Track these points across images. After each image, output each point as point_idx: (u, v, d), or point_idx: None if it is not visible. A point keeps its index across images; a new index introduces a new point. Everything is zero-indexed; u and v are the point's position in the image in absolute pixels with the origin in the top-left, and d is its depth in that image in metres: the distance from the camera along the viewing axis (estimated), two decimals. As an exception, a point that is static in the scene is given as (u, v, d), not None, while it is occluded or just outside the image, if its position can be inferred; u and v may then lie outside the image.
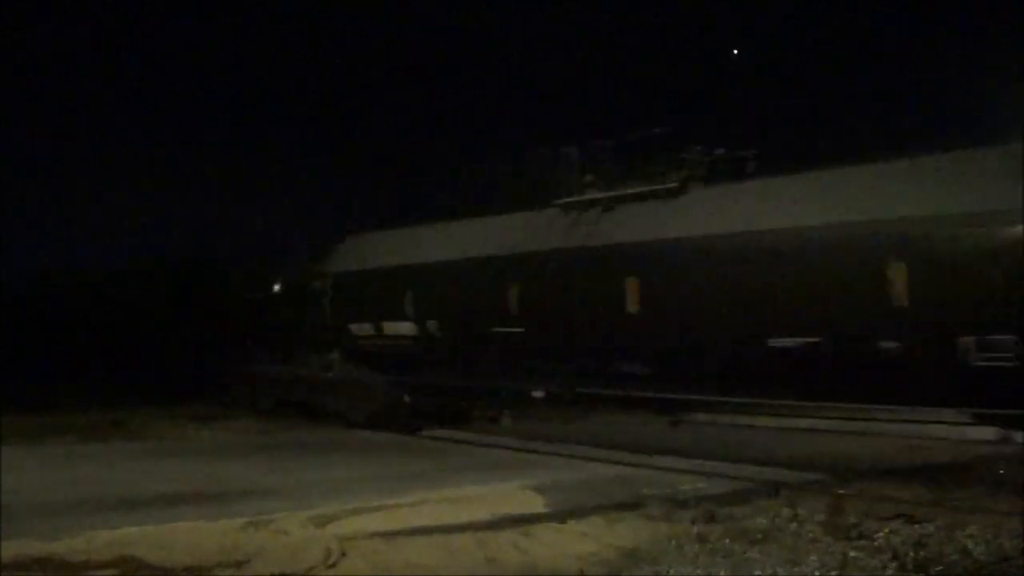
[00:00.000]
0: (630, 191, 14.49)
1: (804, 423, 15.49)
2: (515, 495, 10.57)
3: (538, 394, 16.77)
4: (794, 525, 9.09)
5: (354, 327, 18.72)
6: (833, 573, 7.54)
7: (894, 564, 7.70)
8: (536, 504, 10.09)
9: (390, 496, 10.35)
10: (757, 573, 7.55)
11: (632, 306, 13.58)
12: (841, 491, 10.57)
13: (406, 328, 17.38)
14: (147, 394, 21.90)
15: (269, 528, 8.72)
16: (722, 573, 7.54)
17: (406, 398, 17.95)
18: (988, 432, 12.82)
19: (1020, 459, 12.01)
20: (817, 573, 7.54)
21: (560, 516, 9.43)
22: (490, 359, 15.92)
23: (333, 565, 7.59)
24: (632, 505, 9.93)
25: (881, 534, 8.60)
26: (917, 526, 8.96)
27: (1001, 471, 11.86)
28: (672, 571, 7.59)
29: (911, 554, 7.93)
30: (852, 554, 7.96)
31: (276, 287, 21.88)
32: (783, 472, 12.06)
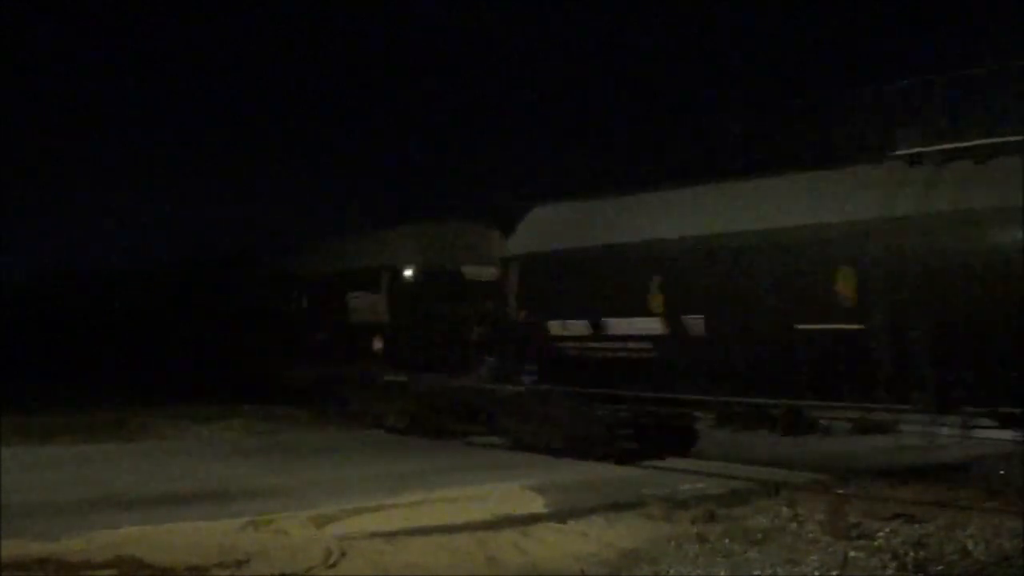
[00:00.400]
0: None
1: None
2: (515, 495, 10.56)
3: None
4: (794, 525, 9.10)
5: (553, 325, 13.95)
6: (833, 573, 7.54)
7: (894, 564, 7.71)
8: (536, 504, 10.09)
9: (390, 496, 10.35)
10: (757, 573, 7.55)
11: None
12: (841, 491, 10.58)
13: (647, 325, 12.73)
14: (147, 394, 21.90)
15: (269, 528, 8.72)
16: (722, 573, 7.54)
17: (625, 418, 13.57)
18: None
19: (1020, 459, 12.01)
20: (817, 573, 7.55)
21: (560, 516, 9.44)
22: (793, 365, 11.52)
23: (333, 565, 7.59)
24: (632, 505, 9.94)
25: (881, 534, 8.61)
26: (917, 526, 8.97)
27: (1001, 471, 11.87)
28: (672, 571, 7.59)
29: (911, 554, 7.94)
30: (852, 554, 7.96)
31: (408, 275, 17.24)
32: (783, 472, 12.07)
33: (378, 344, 17.69)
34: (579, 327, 13.64)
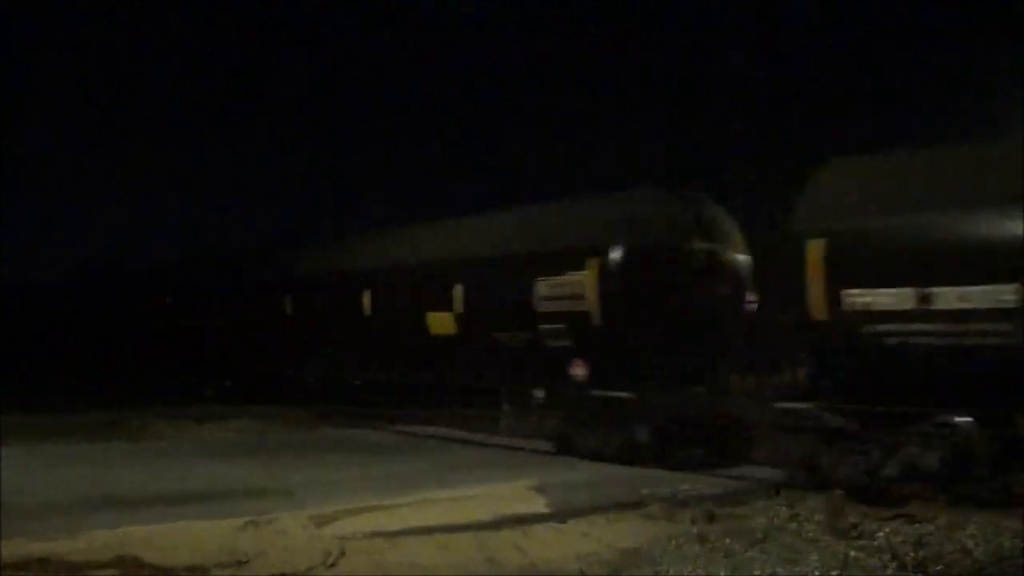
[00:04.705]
0: None
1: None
2: (515, 495, 10.56)
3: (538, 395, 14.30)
4: (794, 525, 9.09)
5: (884, 321, 10.06)
6: (833, 573, 7.54)
7: (894, 564, 7.71)
8: (536, 504, 10.09)
9: (390, 496, 10.35)
10: (757, 573, 7.55)
11: None
12: (841, 491, 10.56)
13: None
14: (147, 394, 21.90)
15: (269, 528, 8.72)
16: (722, 573, 7.54)
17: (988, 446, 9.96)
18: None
19: (1020, 459, 12.00)
20: (817, 573, 7.55)
21: (560, 516, 9.44)
22: None
23: (333, 565, 7.60)
24: (632, 505, 9.94)
25: (881, 534, 8.60)
26: (917, 526, 8.96)
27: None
28: (672, 571, 7.59)
29: (911, 554, 7.94)
30: (852, 554, 7.96)
31: (615, 257, 13.28)
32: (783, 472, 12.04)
33: (581, 349, 13.94)
34: (929, 322, 9.81)
